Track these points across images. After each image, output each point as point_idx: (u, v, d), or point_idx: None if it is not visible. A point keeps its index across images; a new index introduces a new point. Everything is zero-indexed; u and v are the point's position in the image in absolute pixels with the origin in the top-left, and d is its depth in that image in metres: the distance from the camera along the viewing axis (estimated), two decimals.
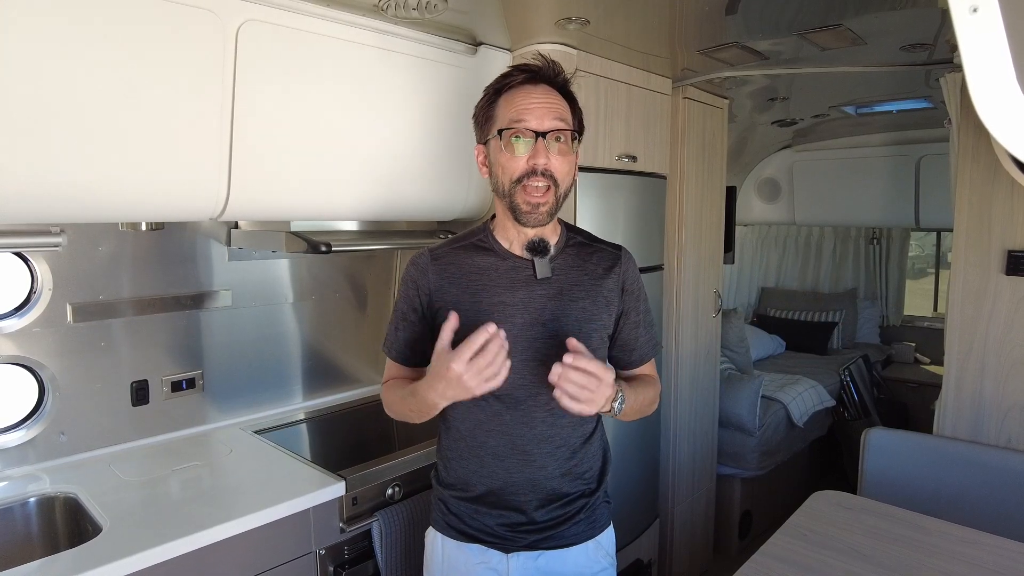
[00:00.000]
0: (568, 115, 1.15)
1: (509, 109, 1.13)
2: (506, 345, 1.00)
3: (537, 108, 1.11)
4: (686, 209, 2.56)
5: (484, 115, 1.18)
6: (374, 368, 2.40)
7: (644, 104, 2.29)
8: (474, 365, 0.98)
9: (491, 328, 0.99)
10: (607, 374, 1.03)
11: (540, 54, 1.17)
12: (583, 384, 1.01)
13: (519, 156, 1.11)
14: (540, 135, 1.10)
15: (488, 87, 1.19)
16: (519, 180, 1.12)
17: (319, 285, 2.24)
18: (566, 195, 1.17)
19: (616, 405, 1.11)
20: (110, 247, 1.75)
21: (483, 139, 1.19)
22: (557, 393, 1.01)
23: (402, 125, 1.82)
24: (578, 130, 1.18)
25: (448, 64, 1.87)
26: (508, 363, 1.01)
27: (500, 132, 1.13)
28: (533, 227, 1.16)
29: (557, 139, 1.12)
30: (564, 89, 1.17)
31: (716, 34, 1.97)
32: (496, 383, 1.01)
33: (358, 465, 1.67)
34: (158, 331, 1.86)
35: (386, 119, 1.79)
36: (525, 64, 1.16)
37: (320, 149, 1.69)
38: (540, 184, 1.11)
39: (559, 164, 1.12)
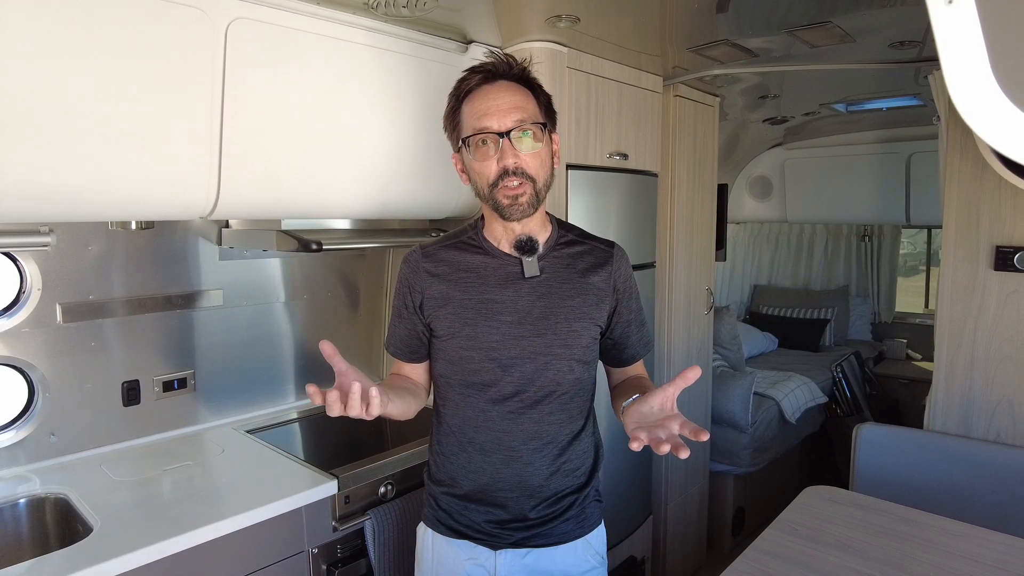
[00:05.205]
0: (530, 106, 1.13)
1: (471, 115, 1.13)
2: (369, 402, 0.99)
3: (496, 109, 1.10)
4: (678, 207, 2.56)
5: (451, 124, 1.18)
6: (367, 366, 2.40)
7: (635, 102, 2.29)
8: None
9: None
10: (674, 410, 1.07)
11: (491, 51, 1.17)
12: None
13: (489, 159, 1.11)
14: (503, 135, 1.09)
15: (450, 94, 1.18)
16: (495, 183, 1.11)
17: (311, 284, 2.24)
18: (547, 187, 1.16)
19: None
20: (100, 246, 1.74)
21: (457, 147, 1.19)
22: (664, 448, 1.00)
23: (393, 123, 1.82)
24: (547, 118, 1.16)
25: (439, 62, 1.86)
26: (371, 403, 0.98)
27: (467, 140, 1.13)
28: (519, 221, 1.15)
29: (524, 133, 1.11)
30: (525, 80, 1.16)
31: (707, 32, 1.98)
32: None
33: (351, 464, 1.67)
34: (149, 331, 1.85)
35: (377, 117, 1.78)
36: (480, 64, 1.15)
37: (310, 147, 1.68)
38: (514, 183, 1.10)
39: (530, 160, 1.11)
